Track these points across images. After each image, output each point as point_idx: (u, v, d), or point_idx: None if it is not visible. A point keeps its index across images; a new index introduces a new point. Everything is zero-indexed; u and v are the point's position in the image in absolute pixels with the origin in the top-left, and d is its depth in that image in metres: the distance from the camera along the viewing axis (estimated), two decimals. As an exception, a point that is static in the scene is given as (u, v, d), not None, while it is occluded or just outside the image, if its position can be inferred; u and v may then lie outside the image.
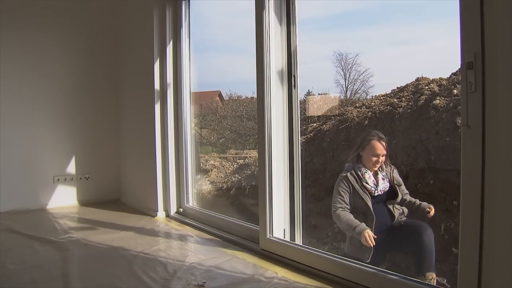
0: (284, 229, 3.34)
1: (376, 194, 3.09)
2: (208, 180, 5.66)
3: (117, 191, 5.66)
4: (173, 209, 4.70)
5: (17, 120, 5.09)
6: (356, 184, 3.10)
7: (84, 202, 5.44)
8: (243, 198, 4.52)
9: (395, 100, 4.24)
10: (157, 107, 4.69)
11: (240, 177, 4.73)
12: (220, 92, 5.47)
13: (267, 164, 3.27)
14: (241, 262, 3.18)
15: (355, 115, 4.48)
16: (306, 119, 5.22)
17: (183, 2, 4.63)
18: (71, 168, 5.46)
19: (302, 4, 3.31)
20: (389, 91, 4.56)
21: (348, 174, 3.15)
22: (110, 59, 5.61)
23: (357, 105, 4.80)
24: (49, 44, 5.25)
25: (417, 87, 4.48)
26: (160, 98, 4.69)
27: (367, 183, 3.10)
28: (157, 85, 4.67)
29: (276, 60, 3.29)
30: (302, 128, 4.04)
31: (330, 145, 4.46)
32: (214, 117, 4.43)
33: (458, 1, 1.89)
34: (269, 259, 3.20)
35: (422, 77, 4.61)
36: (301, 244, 3.26)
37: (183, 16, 4.63)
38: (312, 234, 4.12)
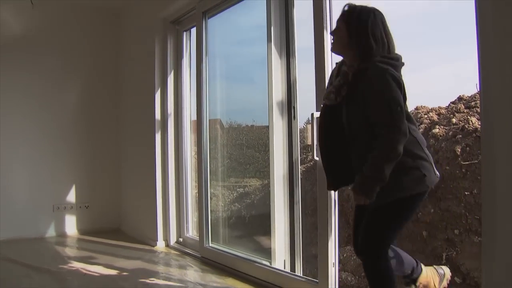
0: (284, 260, 3.32)
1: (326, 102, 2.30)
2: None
3: (117, 220, 5.63)
4: (172, 239, 4.67)
5: (18, 149, 5.11)
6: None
7: (84, 231, 5.41)
8: (243, 227, 4.49)
9: (395, 129, 4.25)
10: (158, 137, 4.72)
11: (240, 206, 4.71)
12: (220, 120, 5.48)
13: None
14: (241, 293, 3.16)
15: (355, 143, 4.49)
16: (306, 147, 5.23)
17: (184, 32, 4.71)
18: (71, 197, 5.44)
19: (301, 32, 3.36)
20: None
21: None
22: (112, 89, 5.67)
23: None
24: (50, 72, 5.31)
25: (416, 115, 4.51)
26: (161, 127, 4.72)
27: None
28: (158, 115, 4.71)
29: (276, 91, 3.34)
30: (302, 156, 4.04)
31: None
32: (214, 145, 4.44)
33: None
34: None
35: (421, 106, 4.64)
36: (301, 274, 3.24)
37: (184, 46, 4.71)
38: (313, 263, 4.09)
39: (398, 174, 2.08)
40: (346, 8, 2.24)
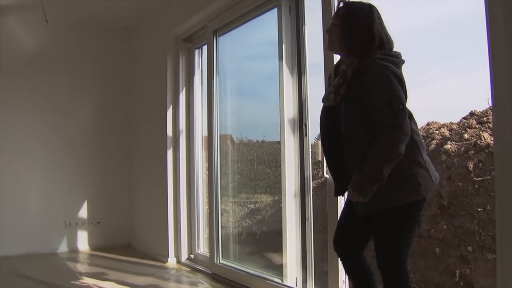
0: (296, 277, 3.30)
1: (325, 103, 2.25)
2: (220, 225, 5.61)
3: (128, 236, 5.64)
4: (184, 256, 4.66)
5: (31, 165, 5.17)
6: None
7: (95, 247, 5.43)
8: (254, 244, 4.47)
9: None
10: (170, 153, 4.75)
11: (250, 222, 4.69)
12: (231, 135, 5.51)
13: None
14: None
15: (366, 159, 4.46)
16: (317, 163, 5.21)
17: (196, 50, 4.76)
18: (83, 213, 5.47)
19: (312, 48, 3.38)
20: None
21: None
22: (124, 106, 5.73)
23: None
24: (64, 89, 5.39)
25: (428, 131, 4.49)
26: (173, 144, 4.76)
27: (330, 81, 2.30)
28: (169, 132, 4.75)
29: (287, 108, 3.36)
30: (313, 173, 4.04)
31: (341, 189, 4.41)
32: (224, 161, 4.45)
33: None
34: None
35: (433, 121, 4.62)
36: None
37: (196, 63, 4.76)
38: (325, 280, 4.05)
39: (392, 180, 2.00)
40: (340, 5, 2.19)
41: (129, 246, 5.54)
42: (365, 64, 2.05)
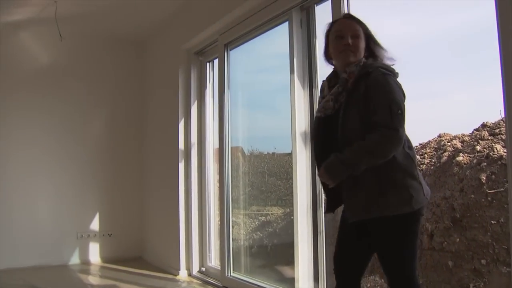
0: (308, 290, 3.28)
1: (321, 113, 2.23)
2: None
3: (140, 248, 5.65)
4: (195, 268, 4.66)
5: (44, 177, 5.21)
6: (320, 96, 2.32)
7: (107, 259, 5.44)
8: (265, 256, 4.46)
9: (418, 157, 4.21)
10: (181, 166, 4.77)
11: (261, 235, 4.68)
12: (242, 148, 5.52)
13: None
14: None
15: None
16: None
17: (208, 63, 4.80)
18: (95, 225, 5.50)
19: (323, 62, 3.39)
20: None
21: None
22: (136, 119, 5.77)
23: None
24: (76, 102, 5.46)
25: (440, 143, 4.47)
26: (184, 157, 4.78)
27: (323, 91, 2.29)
28: (181, 145, 4.77)
29: (299, 121, 3.37)
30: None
31: (353, 202, 4.39)
32: (235, 173, 4.46)
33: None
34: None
35: (444, 133, 4.60)
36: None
37: (207, 76, 4.80)
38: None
39: (385, 189, 2.00)
40: (351, 14, 2.25)
41: (140, 259, 5.55)
42: (367, 71, 2.07)
